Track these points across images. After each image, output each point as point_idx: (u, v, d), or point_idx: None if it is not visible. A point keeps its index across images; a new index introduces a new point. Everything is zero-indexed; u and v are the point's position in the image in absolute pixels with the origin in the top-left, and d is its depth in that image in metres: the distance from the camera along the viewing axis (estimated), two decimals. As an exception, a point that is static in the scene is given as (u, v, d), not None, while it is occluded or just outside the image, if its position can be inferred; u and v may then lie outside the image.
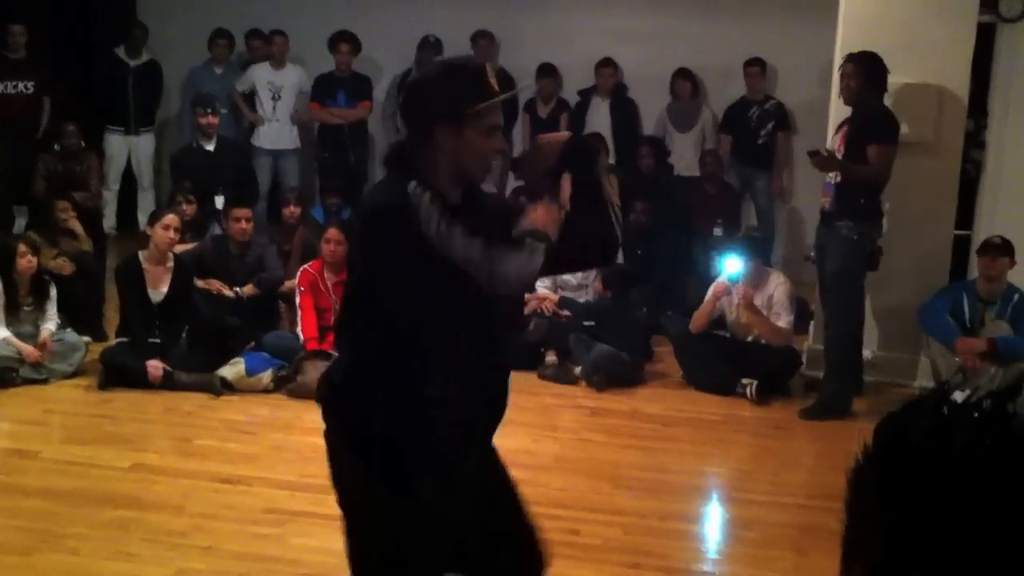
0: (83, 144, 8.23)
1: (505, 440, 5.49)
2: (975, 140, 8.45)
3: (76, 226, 7.27)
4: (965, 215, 7.71)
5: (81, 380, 6.28)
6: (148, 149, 9.73)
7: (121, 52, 9.56)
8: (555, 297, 7.00)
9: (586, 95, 9.35)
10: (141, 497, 4.72)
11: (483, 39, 9.39)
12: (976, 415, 1.16)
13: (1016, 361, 5.94)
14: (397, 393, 2.59)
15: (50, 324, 6.34)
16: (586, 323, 6.81)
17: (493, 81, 2.70)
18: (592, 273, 7.04)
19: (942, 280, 6.50)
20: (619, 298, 6.95)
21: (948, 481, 1.12)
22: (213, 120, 8.17)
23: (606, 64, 9.24)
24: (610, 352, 6.49)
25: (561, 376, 6.54)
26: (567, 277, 7.11)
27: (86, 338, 6.59)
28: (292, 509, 4.57)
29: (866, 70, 5.79)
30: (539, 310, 6.87)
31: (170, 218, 6.44)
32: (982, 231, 8.11)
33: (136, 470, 5.03)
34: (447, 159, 2.61)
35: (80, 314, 6.76)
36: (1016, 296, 6.07)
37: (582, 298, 7.09)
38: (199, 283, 6.66)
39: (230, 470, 5.03)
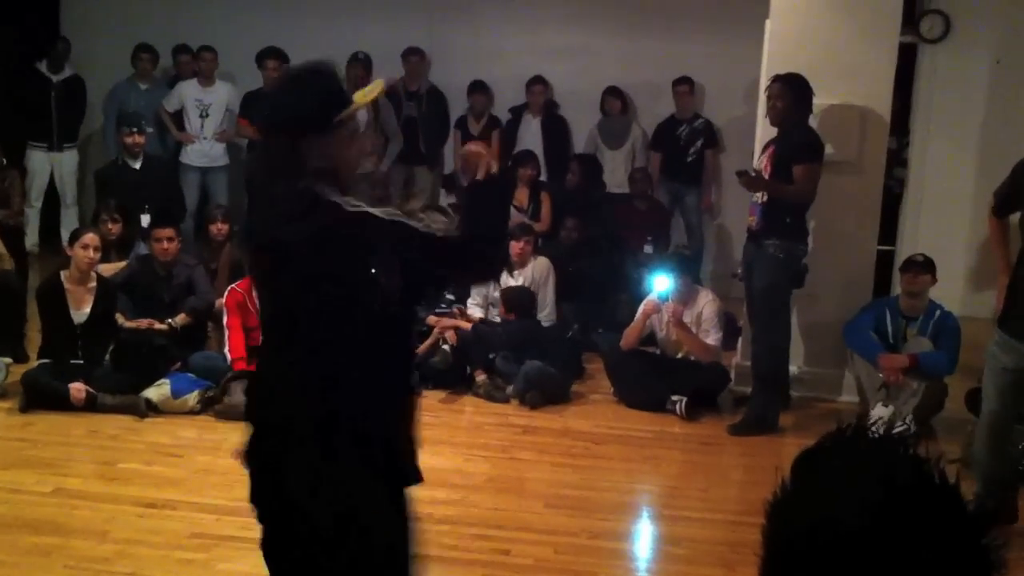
0: (4, 161, 8.04)
1: (436, 459, 5.50)
2: (898, 158, 8.65)
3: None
4: (888, 231, 7.88)
5: (2, 403, 6.13)
6: (71, 165, 9.58)
7: (43, 67, 9.41)
8: (466, 324, 6.97)
9: (517, 112, 9.38)
10: (63, 523, 4.61)
11: (414, 56, 9.38)
12: (891, 455, 1.19)
13: (937, 376, 6.06)
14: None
15: None
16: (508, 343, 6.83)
17: (347, 84, 2.70)
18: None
19: (866, 296, 6.62)
20: (523, 317, 6.96)
21: (864, 534, 1.15)
22: (140, 139, 8.05)
23: (537, 81, 9.28)
24: (540, 368, 6.50)
25: (494, 394, 6.53)
26: (498, 295, 7.12)
27: (7, 359, 6.45)
28: (219, 534, 4.50)
29: (792, 91, 5.88)
30: (442, 339, 6.84)
31: (89, 237, 6.32)
32: (905, 246, 8.30)
33: (58, 495, 4.92)
34: (316, 167, 2.56)
35: (1, 335, 6.60)
36: (937, 312, 6.19)
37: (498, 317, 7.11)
38: (129, 324, 6.53)
39: (155, 494, 4.94)
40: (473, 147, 2.68)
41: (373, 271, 2.49)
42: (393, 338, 2.63)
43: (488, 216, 2.65)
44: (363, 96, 2.67)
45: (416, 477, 2.71)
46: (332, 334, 2.57)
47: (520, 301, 6.99)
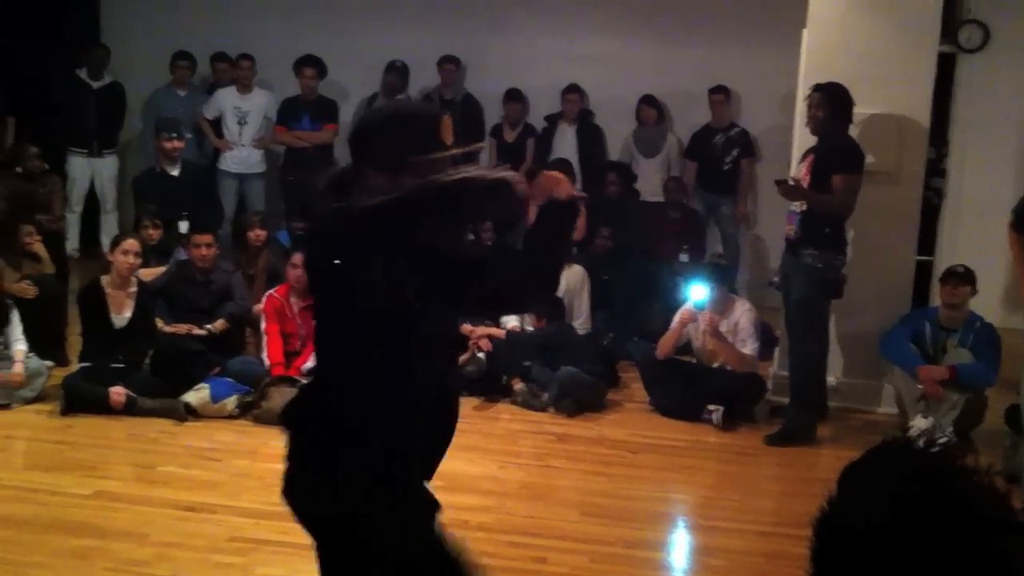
0: (45, 166, 8.14)
1: (471, 466, 5.52)
2: (936, 168, 8.58)
3: (39, 249, 7.20)
4: (927, 241, 7.82)
5: (43, 405, 6.21)
6: (111, 171, 9.67)
7: (83, 74, 9.52)
8: (500, 333, 6.97)
9: (552, 120, 9.39)
10: (103, 525, 4.65)
11: (449, 64, 9.42)
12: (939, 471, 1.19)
13: (977, 388, 6.00)
14: (378, 396, 2.56)
15: (20, 345, 6.26)
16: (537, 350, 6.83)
17: (446, 134, 2.61)
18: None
19: (905, 307, 6.57)
20: (554, 320, 6.96)
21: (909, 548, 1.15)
22: (179, 144, 8.13)
23: (572, 90, 9.29)
24: (574, 373, 6.50)
25: (531, 402, 6.53)
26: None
27: (48, 363, 6.52)
28: (257, 537, 4.53)
29: (833, 100, 5.85)
30: (477, 349, 6.84)
31: (129, 243, 6.39)
32: (944, 257, 8.24)
33: (98, 497, 4.97)
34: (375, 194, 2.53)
35: (42, 338, 6.67)
36: (977, 323, 6.14)
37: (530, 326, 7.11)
38: (167, 329, 6.60)
39: (193, 497, 4.98)
40: (553, 174, 2.64)
41: (371, 270, 2.48)
42: (394, 342, 2.56)
43: (549, 245, 2.64)
44: (454, 148, 2.63)
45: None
46: (335, 335, 2.61)
47: (551, 307, 6.98)
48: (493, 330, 6.97)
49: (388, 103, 2.64)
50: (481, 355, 6.79)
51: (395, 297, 2.51)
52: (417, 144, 2.57)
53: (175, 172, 8.16)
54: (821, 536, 1.25)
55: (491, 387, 6.68)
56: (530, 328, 7.11)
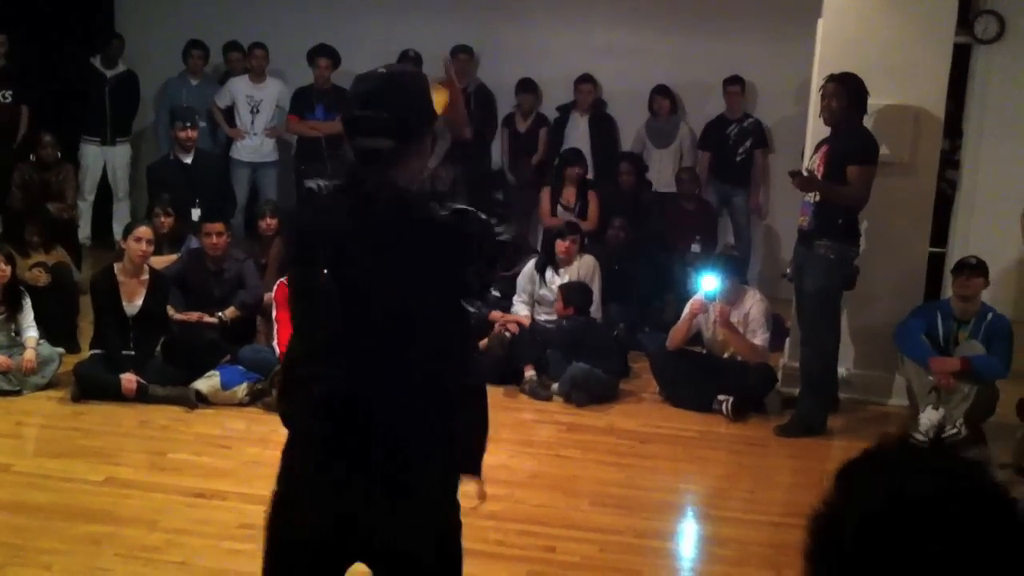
0: (59, 155, 8.17)
1: (482, 456, 5.47)
2: (950, 159, 8.54)
3: (50, 251, 7.24)
4: (940, 233, 7.78)
5: (55, 392, 6.24)
6: (124, 159, 9.70)
7: (97, 62, 9.54)
8: (525, 320, 6.99)
9: (565, 110, 9.37)
10: (114, 512, 4.67)
11: (463, 54, 9.39)
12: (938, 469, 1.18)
13: (989, 380, 5.98)
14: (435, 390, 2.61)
15: (32, 332, 6.30)
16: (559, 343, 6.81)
17: None
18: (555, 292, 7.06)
19: (917, 298, 6.55)
20: (581, 314, 6.95)
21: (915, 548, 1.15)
22: (192, 134, 8.15)
23: (585, 80, 9.27)
24: (587, 370, 6.49)
25: (539, 392, 6.53)
26: (544, 292, 7.13)
27: (60, 349, 6.54)
28: (267, 525, 4.54)
29: (848, 91, 5.82)
30: (504, 330, 6.85)
31: (142, 230, 6.40)
32: (956, 249, 8.20)
33: (109, 484, 4.99)
34: (423, 162, 2.60)
35: (54, 325, 6.71)
36: (989, 315, 6.11)
37: (555, 316, 7.10)
38: (179, 316, 6.63)
39: (204, 484, 5.00)
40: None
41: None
42: (393, 341, 2.56)
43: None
44: (438, 105, 2.65)
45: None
46: (345, 328, 2.63)
47: (579, 296, 6.98)
48: (521, 318, 6.99)
49: (404, 72, 2.40)
50: (507, 333, 6.80)
51: (396, 295, 2.52)
52: (431, 108, 2.61)
53: (188, 160, 8.17)
54: (814, 534, 1.25)
55: (506, 376, 6.67)
56: (541, 317, 7.11)
